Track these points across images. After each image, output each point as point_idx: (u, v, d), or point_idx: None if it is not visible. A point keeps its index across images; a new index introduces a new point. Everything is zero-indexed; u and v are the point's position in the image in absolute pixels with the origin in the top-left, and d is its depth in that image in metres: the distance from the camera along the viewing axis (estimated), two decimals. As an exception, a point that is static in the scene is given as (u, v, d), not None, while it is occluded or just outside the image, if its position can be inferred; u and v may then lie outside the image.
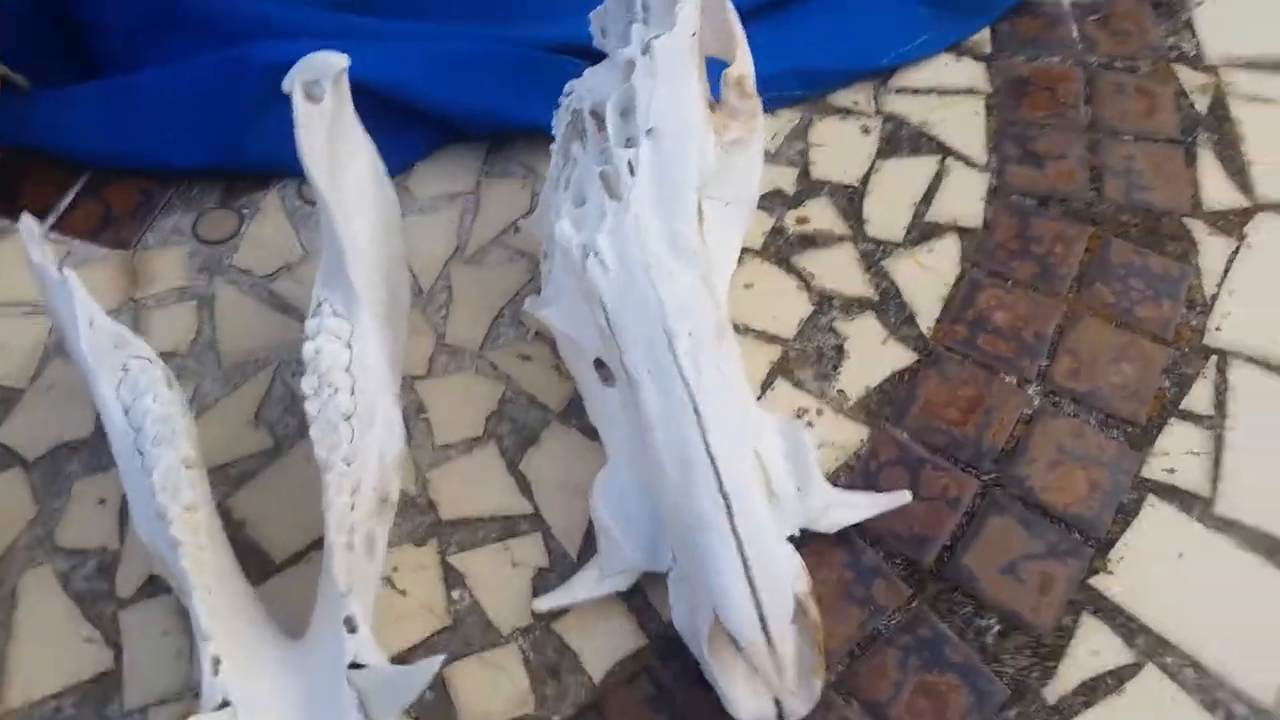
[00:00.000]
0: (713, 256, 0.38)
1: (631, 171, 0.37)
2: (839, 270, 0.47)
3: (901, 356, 0.44)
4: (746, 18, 0.52)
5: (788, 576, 0.35)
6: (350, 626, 0.34)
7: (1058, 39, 0.54)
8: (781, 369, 0.45)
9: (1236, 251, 0.46)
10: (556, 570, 0.41)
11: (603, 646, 0.39)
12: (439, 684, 0.39)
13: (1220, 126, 0.50)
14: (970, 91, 0.53)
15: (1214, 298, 0.45)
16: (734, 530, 0.35)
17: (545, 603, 0.40)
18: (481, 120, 0.52)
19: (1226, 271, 0.45)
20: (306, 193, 0.52)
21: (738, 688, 0.35)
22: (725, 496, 0.35)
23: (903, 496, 0.40)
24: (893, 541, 0.40)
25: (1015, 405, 0.43)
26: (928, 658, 0.38)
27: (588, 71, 0.43)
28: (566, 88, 0.42)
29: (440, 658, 0.34)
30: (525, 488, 0.43)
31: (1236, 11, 0.54)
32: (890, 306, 0.46)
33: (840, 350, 0.45)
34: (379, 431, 0.38)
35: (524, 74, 0.51)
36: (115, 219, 0.53)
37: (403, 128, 0.52)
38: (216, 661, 0.34)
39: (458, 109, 0.52)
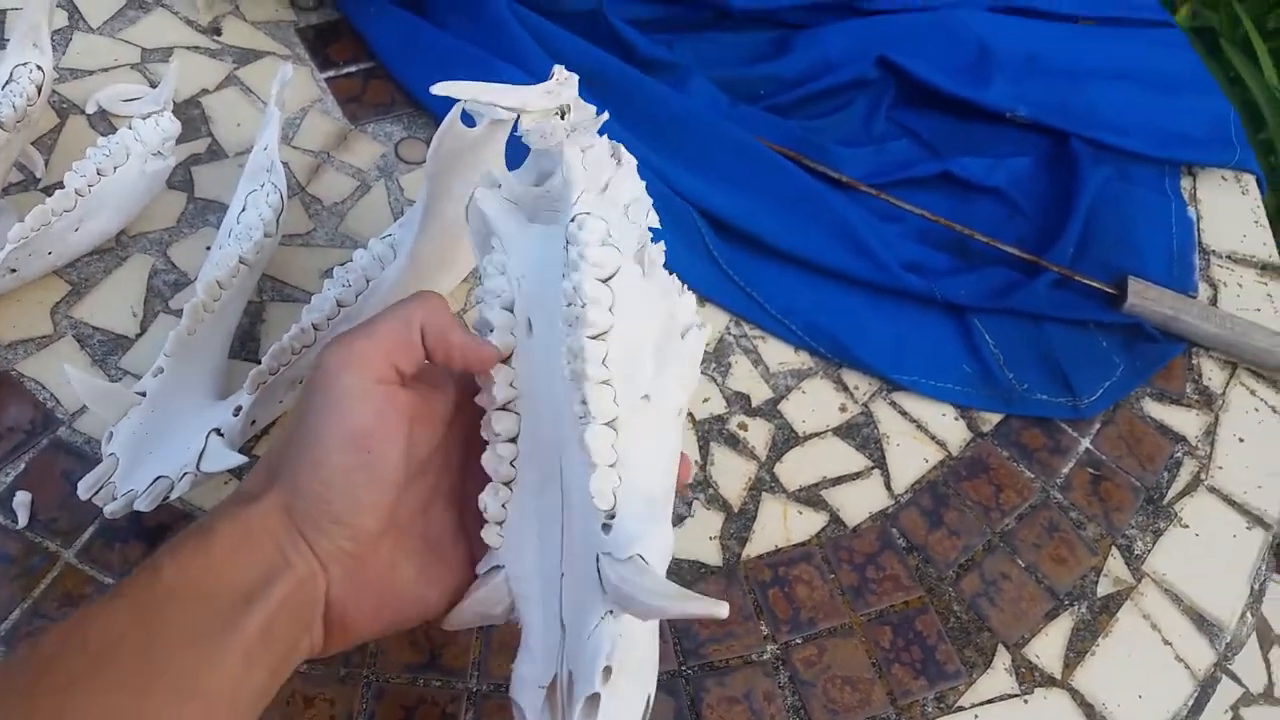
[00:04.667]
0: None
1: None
2: (732, 474, 0.57)
3: (712, 556, 0.55)
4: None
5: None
6: (235, 412, 0.50)
7: (1045, 463, 0.61)
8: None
9: (997, 700, 0.54)
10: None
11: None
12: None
13: (1096, 617, 0.55)
14: (940, 444, 0.61)
15: (956, 707, 0.52)
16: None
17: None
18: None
19: (984, 704, 0.53)
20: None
21: None
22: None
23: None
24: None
25: (749, 645, 0.52)
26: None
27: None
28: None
29: (244, 458, 0.46)
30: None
31: (1195, 556, 0.59)
32: (739, 521, 0.56)
33: (680, 520, 0.55)
34: (355, 328, 0.53)
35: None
36: (363, 101, 0.69)
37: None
38: (160, 370, 0.50)
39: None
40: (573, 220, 0.38)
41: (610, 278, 0.37)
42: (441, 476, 0.42)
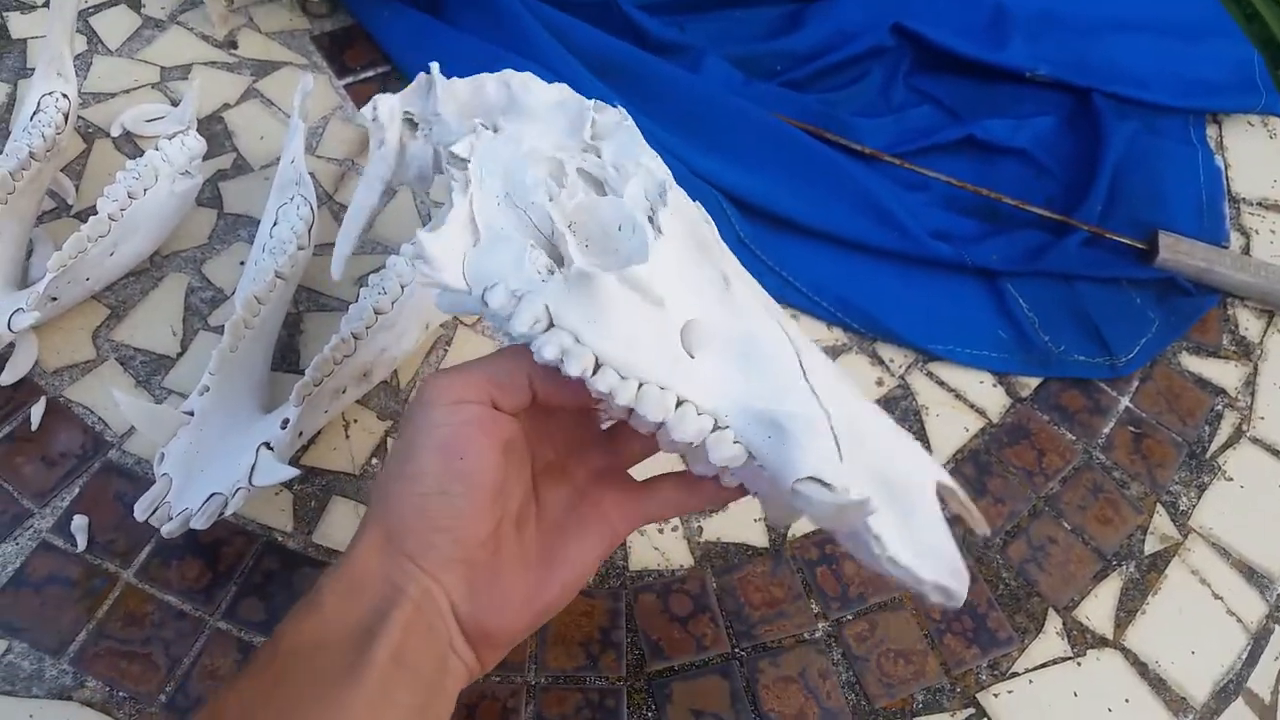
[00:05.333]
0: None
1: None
2: (774, 457, 0.58)
3: (757, 538, 0.55)
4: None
5: None
6: (282, 425, 0.50)
7: (1086, 424, 0.61)
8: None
9: (1050, 664, 0.54)
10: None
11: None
12: (319, 503, 0.53)
13: (1145, 575, 0.56)
14: (980, 411, 0.61)
15: (1010, 673, 0.53)
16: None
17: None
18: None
19: (1037, 668, 0.53)
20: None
21: None
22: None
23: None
24: (642, 629, 0.51)
25: (800, 624, 0.53)
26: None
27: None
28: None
29: (295, 470, 0.46)
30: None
31: (1241, 509, 0.59)
32: (782, 503, 0.57)
33: (724, 505, 0.56)
34: (393, 337, 0.54)
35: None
36: (383, 105, 0.70)
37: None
38: (206, 388, 0.51)
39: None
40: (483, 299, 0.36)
41: (518, 305, 0.35)
42: (539, 457, 0.41)
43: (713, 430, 0.35)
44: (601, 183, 0.39)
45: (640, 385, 0.34)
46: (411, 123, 0.43)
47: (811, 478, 0.33)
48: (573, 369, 0.34)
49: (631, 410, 0.35)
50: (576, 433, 0.42)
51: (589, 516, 0.41)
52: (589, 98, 0.42)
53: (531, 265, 0.35)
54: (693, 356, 0.36)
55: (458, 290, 0.36)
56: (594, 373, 0.34)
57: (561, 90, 0.42)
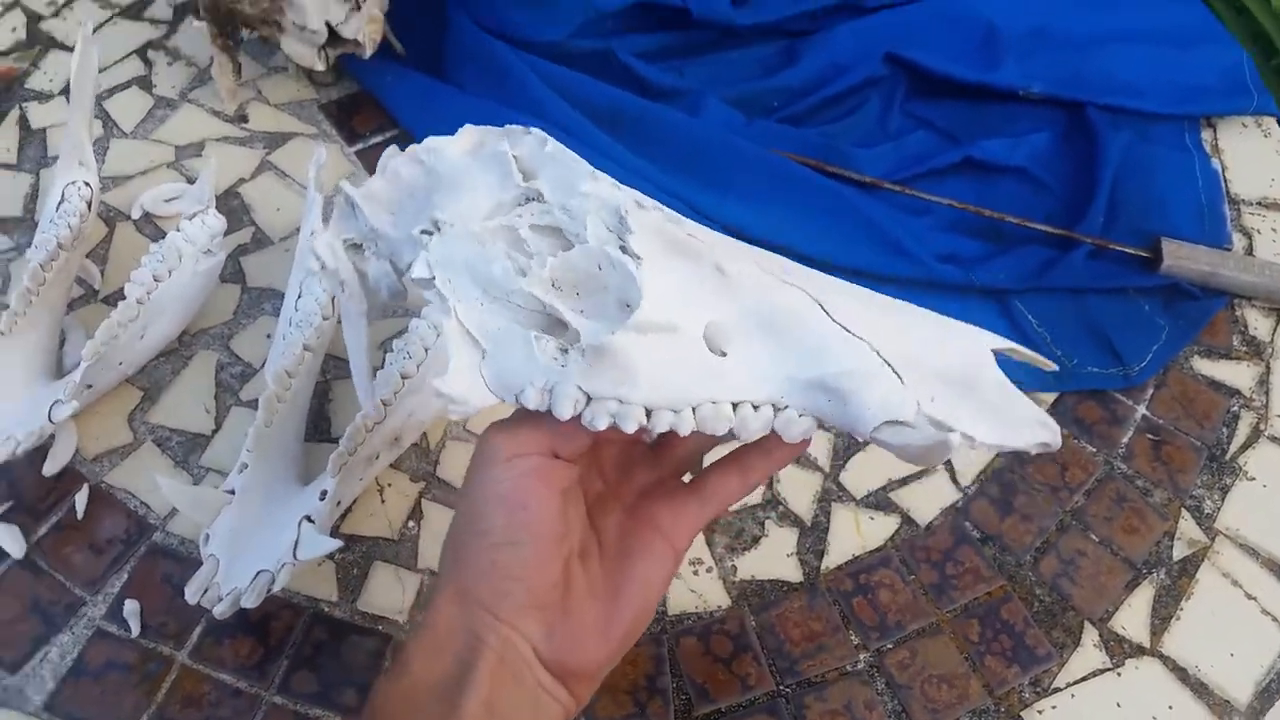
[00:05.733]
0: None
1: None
2: (799, 488, 0.58)
3: (791, 573, 0.56)
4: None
5: None
6: (321, 496, 0.52)
7: (1105, 435, 0.62)
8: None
9: (1091, 677, 0.54)
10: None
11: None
12: (361, 570, 0.54)
13: (1176, 581, 0.56)
14: (1000, 431, 0.63)
15: (1052, 689, 0.54)
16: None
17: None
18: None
19: (1078, 682, 0.54)
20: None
21: None
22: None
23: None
24: (687, 673, 0.52)
25: (842, 656, 0.53)
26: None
27: None
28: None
29: (339, 542, 0.48)
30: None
31: (1265, 508, 0.59)
32: (813, 535, 0.57)
33: (755, 540, 0.57)
34: (419, 400, 0.55)
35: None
36: (393, 170, 0.72)
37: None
38: (244, 466, 0.52)
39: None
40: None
41: (552, 397, 0.36)
42: (590, 490, 0.42)
43: (775, 416, 0.36)
44: (559, 229, 0.38)
45: (695, 410, 0.35)
46: (357, 246, 0.42)
47: (886, 422, 0.35)
48: (629, 427, 0.35)
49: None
50: (623, 456, 0.43)
51: (645, 536, 0.41)
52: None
53: (544, 355, 0.36)
54: (725, 355, 0.36)
55: (492, 405, 0.36)
56: (649, 420, 0.35)
57: (466, 136, 0.41)
